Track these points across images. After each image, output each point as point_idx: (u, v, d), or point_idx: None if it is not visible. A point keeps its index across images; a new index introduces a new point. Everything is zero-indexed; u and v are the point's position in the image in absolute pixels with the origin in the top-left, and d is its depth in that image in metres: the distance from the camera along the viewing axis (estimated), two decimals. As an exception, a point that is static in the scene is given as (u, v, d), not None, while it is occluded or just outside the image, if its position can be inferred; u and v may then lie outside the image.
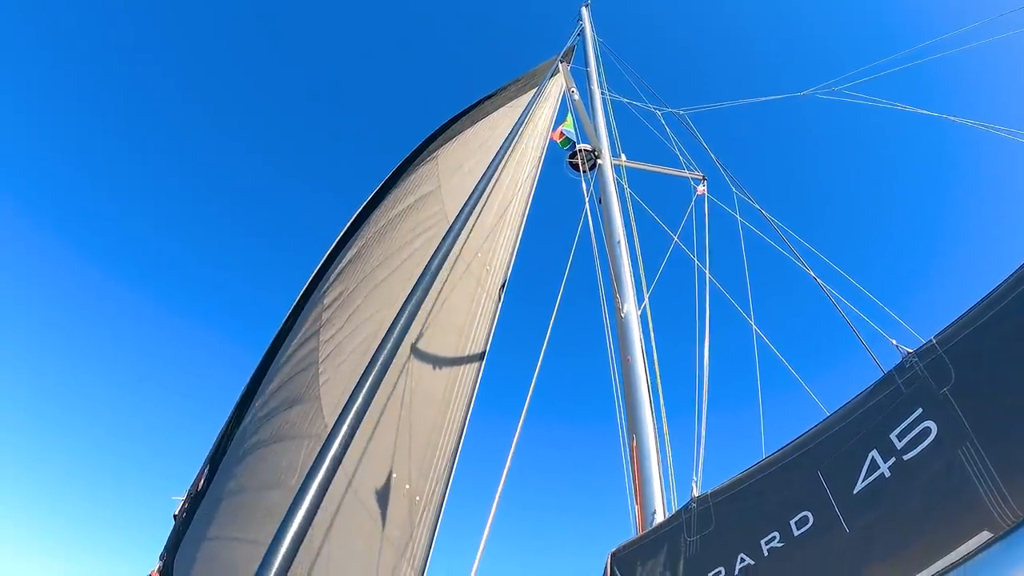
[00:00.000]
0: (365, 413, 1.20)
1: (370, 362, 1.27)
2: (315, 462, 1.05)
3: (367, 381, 1.20)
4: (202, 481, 6.01)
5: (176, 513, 5.89)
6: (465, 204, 3.50)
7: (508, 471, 4.93)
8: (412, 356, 6.47)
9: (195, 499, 5.96)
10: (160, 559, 5.76)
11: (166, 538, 5.89)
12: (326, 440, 1.10)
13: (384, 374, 1.27)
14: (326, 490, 1.00)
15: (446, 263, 7.25)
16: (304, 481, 0.99)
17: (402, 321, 1.33)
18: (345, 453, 1.08)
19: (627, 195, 8.68)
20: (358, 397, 1.19)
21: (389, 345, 1.28)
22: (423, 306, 6.81)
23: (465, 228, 7.82)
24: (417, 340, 6.58)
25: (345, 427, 1.14)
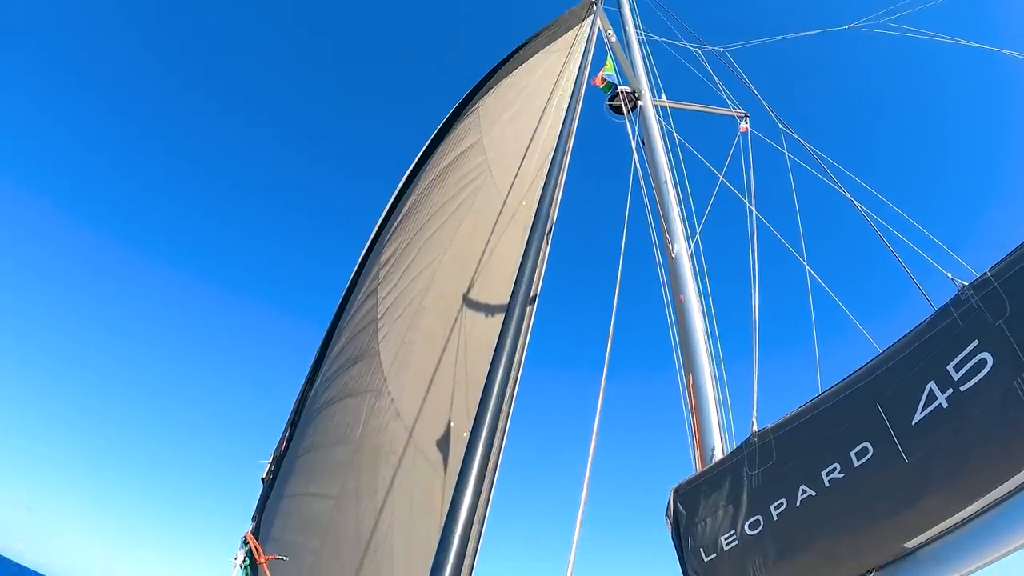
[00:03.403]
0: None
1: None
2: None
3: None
4: (284, 443, 6.25)
5: (264, 476, 6.13)
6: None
7: (598, 427, 5.01)
8: (464, 306, 6.57)
9: (279, 461, 6.19)
10: (252, 520, 6.02)
11: (256, 499, 6.14)
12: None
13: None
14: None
15: (494, 212, 7.35)
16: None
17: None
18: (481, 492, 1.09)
19: (671, 136, 8.62)
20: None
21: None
22: (474, 256, 6.94)
23: (509, 177, 7.89)
24: (468, 290, 6.68)
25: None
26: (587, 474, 4.86)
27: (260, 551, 5.66)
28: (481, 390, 6.38)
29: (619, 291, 6.05)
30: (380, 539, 5.58)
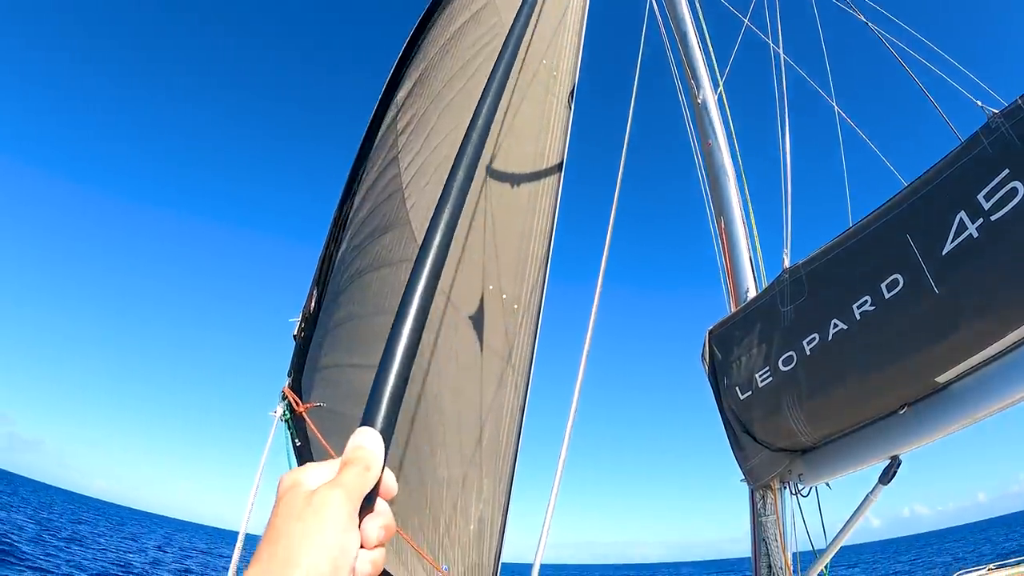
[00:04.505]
0: (454, 229, 1.20)
1: (447, 181, 1.27)
2: (408, 286, 1.04)
3: (448, 200, 1.20)
4: (312, 303, 6.33)
5: (295, 334, 6.24)
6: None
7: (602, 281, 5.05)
8: (490, 170, 6.55)
9: (310, 321, 6.30)
10: (288, 376, 6.15)
11: (290, 357, 6.25)
12: (415, 263, 1.10)
13: (465, 194, 1.25)
14: (426, 313, 1.02)
15: (512, 73, 7.22)
16: (401, 305, 0.99)
17: (473, 139, 1.30)
18: (440, 272, 1.08)
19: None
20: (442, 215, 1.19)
21: (465, 162, 1.26)
22: (496, 119, 6.86)
23: (526, 35, 7.68)
24: (494, 155, 6.64)
25: (435, 245, 1.14)
26: (594, 309, 4.95)
27: (299, 401, 5.82)
28: (515, 251, 6.40)
29: (631, 136, 5.97)
30: (430, 404, 5.76)
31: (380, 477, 0.83)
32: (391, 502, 0.84)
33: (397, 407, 0.93)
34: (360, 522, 0.77)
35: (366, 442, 0.83)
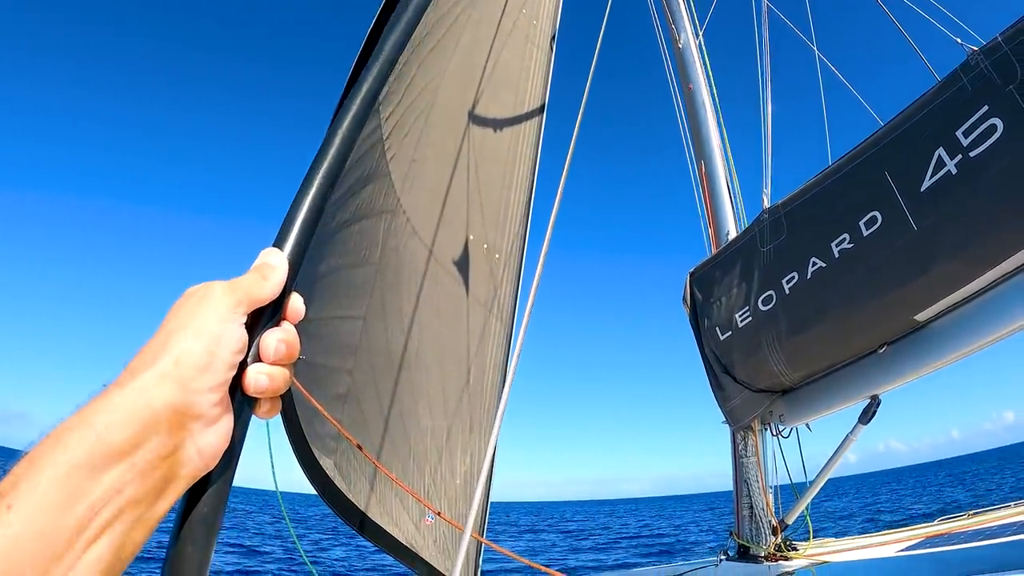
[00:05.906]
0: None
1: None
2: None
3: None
4: None
5: None
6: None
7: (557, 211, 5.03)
8: (471, 120, 6.50)
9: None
10: None
11: None
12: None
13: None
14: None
15: (494, 23, 7.13)
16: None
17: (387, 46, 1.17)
18: (372, 102, 0.99)
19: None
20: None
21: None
22: (477, 67, 6.80)
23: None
24: (474, 104, 6.58)
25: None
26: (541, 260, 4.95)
27: None
28: (496, 201, 6.36)
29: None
30: (412, 355, 5.76)
31: (286, 299, 0.84)
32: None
33: (309, 236, 0.91)
34: (258, 334, 0.78)
35: (270, 259, 0.83)
